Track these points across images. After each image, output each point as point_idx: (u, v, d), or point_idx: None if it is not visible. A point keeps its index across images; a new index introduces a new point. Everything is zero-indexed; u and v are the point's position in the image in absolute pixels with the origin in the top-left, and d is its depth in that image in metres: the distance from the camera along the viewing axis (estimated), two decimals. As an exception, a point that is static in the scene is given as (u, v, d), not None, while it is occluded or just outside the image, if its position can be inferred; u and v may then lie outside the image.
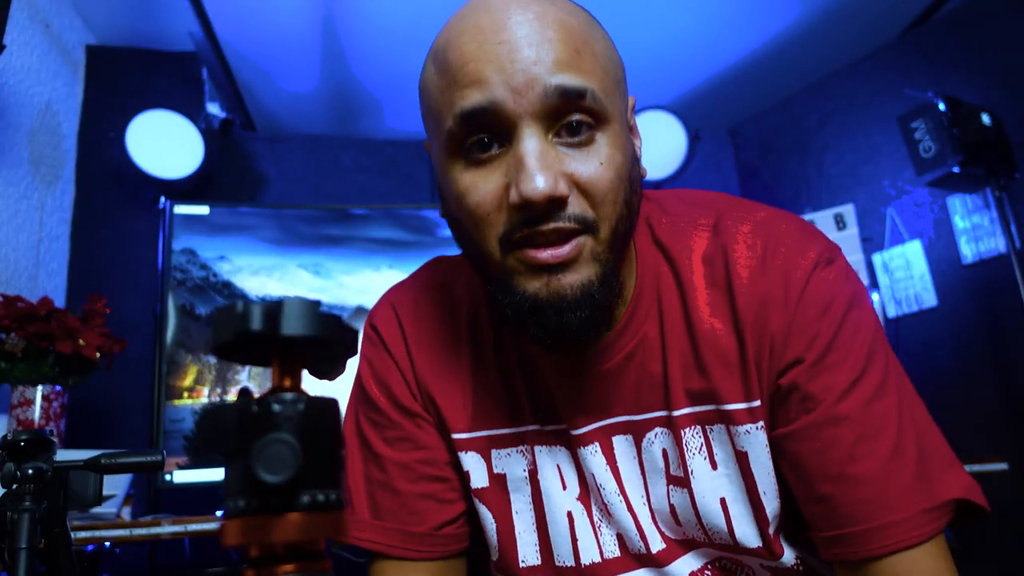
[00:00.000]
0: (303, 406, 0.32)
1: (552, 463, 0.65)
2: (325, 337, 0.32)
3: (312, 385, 0.34)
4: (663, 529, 0.64)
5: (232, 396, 1.93)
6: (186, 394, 1.88)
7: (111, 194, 2.27)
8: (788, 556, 0.62)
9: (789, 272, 0.59)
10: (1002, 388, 2.14)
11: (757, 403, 0.59)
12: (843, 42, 2.60)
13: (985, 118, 1.95)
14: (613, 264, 0.56)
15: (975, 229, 2.22)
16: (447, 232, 0.60)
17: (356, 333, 0.34)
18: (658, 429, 0.63)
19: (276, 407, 0.31)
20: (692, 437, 0.61)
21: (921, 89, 2.15)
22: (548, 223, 0.53)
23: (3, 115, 1.85)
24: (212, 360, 1.92)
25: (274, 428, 0.31)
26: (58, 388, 1.67)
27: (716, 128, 3.03)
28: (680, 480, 0.62)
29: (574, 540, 0.65)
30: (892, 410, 0.57)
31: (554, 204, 0.52)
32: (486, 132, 0.54)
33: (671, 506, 0.62)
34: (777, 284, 0.59)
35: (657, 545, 0.64)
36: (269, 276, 2.02)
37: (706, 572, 0.64)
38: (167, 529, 1.45)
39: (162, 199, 2.09)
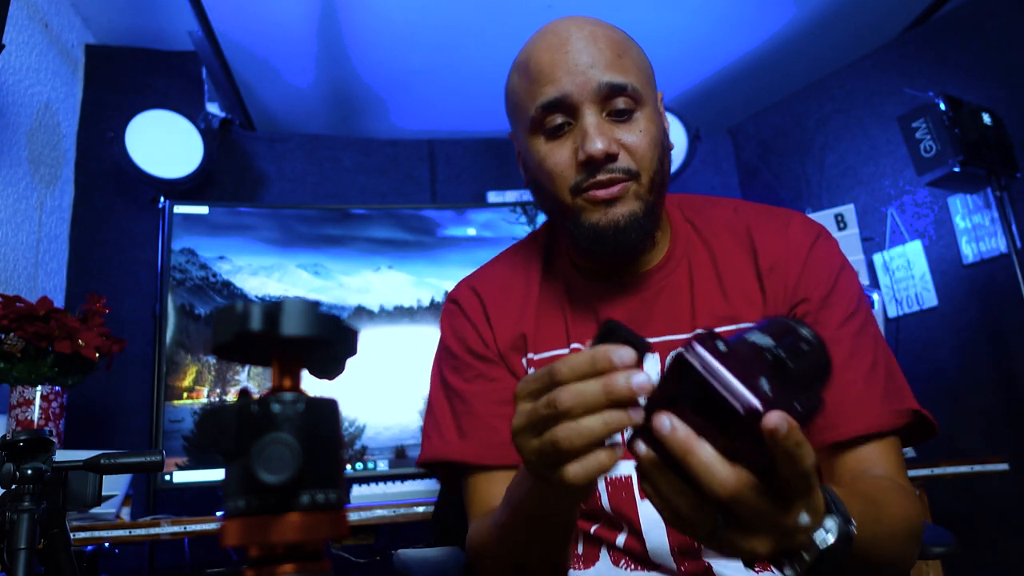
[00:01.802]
0: (303, 406, 0.32)
1: None
2: (325, 337, 0.32)
3: (312, 385, 0.34)
4: None
5: (232, 396, 1.93)
6: (186, 394, 1.88)
7: (110, 194, 2.27)
8: None
9: (801, 240, 0.82)
10: (1002, 388, 2.14)
11: None
12: (843, 42, 2.60)
13: (986, 118, 1.95)
14: (652, 203, 0.78)
15: (976, 229, 2.22)
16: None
17: (356, 333, 0.34)
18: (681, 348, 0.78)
19: (276, 407, 0.31)
20: None
21: (921, 89, 2.15)
22: (604, 173, 0.75)
23: (2, 115, 1.84)
24: (212, 360, 1.91)
25: (274, 428, 0.31)
26: (57, 388, 1.67)
27: (716, 128, 3.03)
28: None
29: None
30: (871, 343, 0.78)
31: (608, 158, 0.75)
32: (559, 114, 0.77)
33: None
34: (792, 247, 0.81)
35: None
36: (269, 276, 2.02)
37: None
38: (166, 529, 1.45)
39: (161, 199, 2.09)
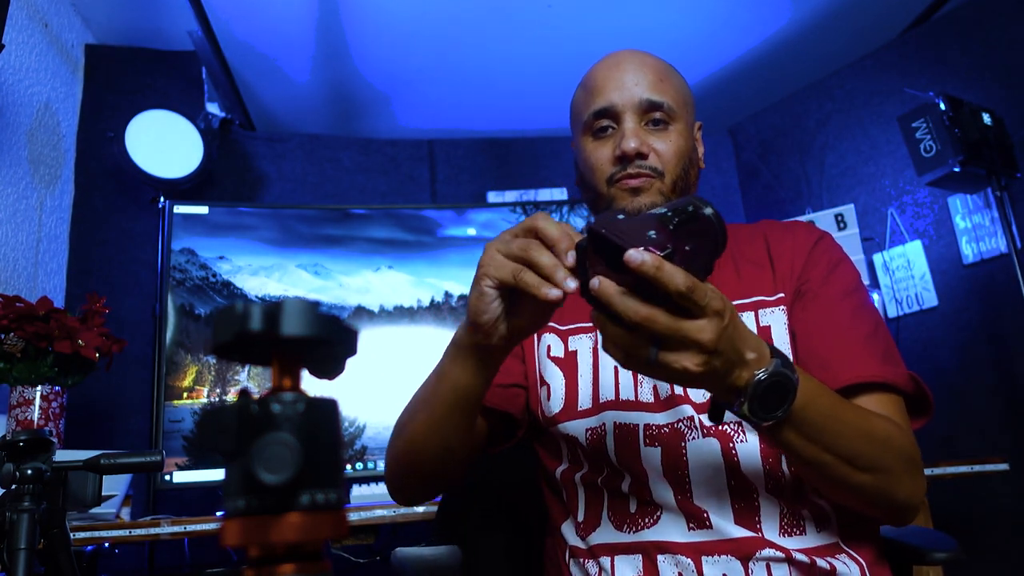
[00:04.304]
0: (303, 406, 0.32)
1: None
2: (325, 337, 0.32)
3: (312, 385, 0.34)
4: (690, 395, 0.87)
5: (232, 396, 1.93)
6: (186, 394, 1.88)
7: (110, 194, 2.27)
8: None
9: (806, 238, 0.95)
10: (1002, 388, 2.14)
11: (781, 295, 0.90)
12: (843, 42, 2.60)
13: (986, 118, 1.95)
14: None
15: (976, 229, 2.22)
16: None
17: (356, 333, 0.34)
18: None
19: (276, 407, 0.31)
20: None
21: (921, 89, 2.15)
22: (634, 167, 0.91)
23: (2, 114, 1.84)
24: (212, 360, 1.91)
25: (274, 428, 0.31)
26: (57, 388, 1.67)
27: (716, 128, 3.03)
28: None
29: (616, 383, 0.90)
30: (871, 316, 0.88)
31: (639, 156, 0.90)
32: (606, 120, 0.93)
33: None
34: (798, 243, 0.94)
35: (680, 393, 0.87)
36: (269, 276, 2.02)
37: (710, 428, 0.85)
38: (166, 529, 1.45)
39: (161, 199, 2.09)
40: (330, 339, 0.32)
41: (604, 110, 0.93)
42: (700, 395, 0.86)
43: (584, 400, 0.91)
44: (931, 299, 2.33)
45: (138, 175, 2.11)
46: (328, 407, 0.33)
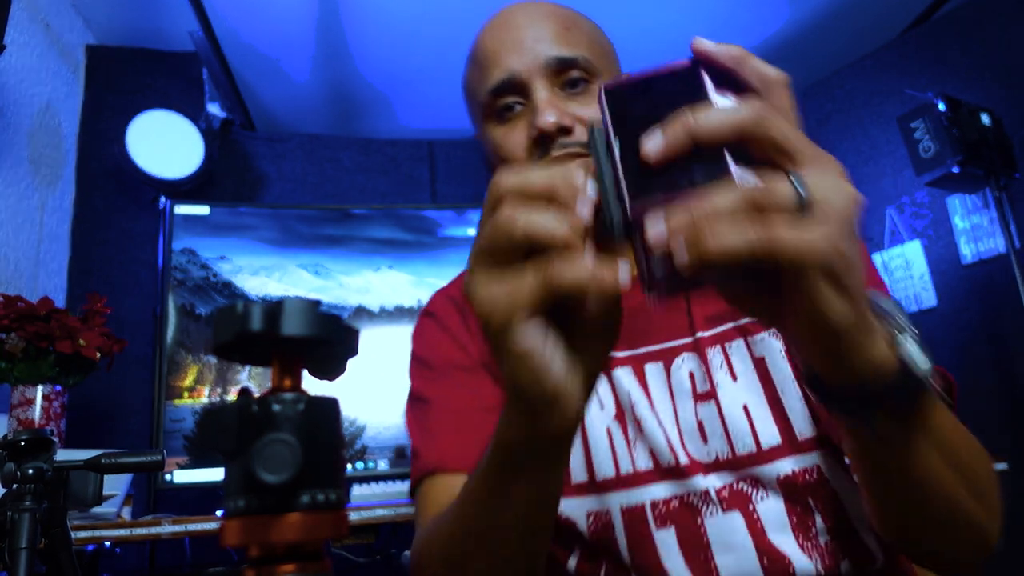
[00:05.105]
0: (303, 406, 0.32)
1: None
2: (325, 337, 0.32)
3: (312, 385, 0.34)
4: (689, 450, 0.69)
5: (232, 396, 1.93)
6: (186, 394, 1.88)
7: (111, 194, 2.27)
8: (808, 459, 0.67)
9: None
10: (1002, 388, 2.14)
11: None
12: (843, 42, 2.61)
13: (985, 118, 1.95)
14: None
15: (974, 229, 2.22)
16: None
17: (356, 333, 0.35)
18: (685, 354, 0.73)
19: (276, 407, 0.31)
20: (714, 355, 0.72)
21: (921, 89, 2.15)
22: (558, 148, 0.68)
23: (3, 115, 1.85)
24: (212, 360, 1.92)
25: (274, 428, 0.31)
26: (58, 388, 1.67)
27: (716, 128, 3.03)
28: (707, 395, 0.71)
29: (613, 453, 0.71)
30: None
31: (562, 132, 0.68)
32: (510, 96, 0.72)
33: (699, 422, 0.70)
34: None
35: (684, 461, 0.69)
36: (269, 276, 2.02)
37: (723, 492, 0.68)
38: (167, 529, 1.45)
39: (162, 199, 2.09)
40: (330, 339, 0.32)
41: (504, 83, 0.71)
42: (706, 454, 0.69)
43: (578, 471, 0.71)
44: (930, 299, 2.33)
45: (139, 175, 2.11)
46: (328, 407, 0.33)
